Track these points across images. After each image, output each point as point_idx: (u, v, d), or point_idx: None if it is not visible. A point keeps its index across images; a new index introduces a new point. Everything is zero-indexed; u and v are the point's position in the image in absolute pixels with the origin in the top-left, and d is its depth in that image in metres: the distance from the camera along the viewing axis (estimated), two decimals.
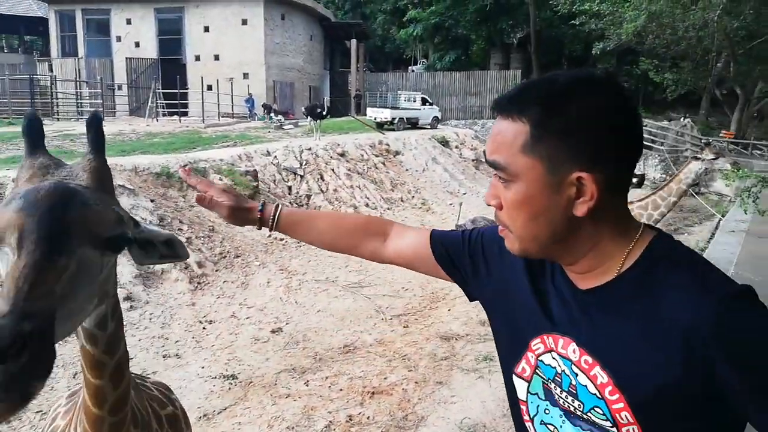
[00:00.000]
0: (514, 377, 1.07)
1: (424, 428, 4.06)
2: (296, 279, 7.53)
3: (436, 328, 6.09)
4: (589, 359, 0.93)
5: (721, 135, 24.77)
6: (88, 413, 1.19)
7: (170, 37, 26.48)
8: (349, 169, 13.00)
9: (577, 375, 0.95)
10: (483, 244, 1.20)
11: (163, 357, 5.12)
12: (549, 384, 1.01)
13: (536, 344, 1.03)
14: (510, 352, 1.09)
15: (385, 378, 4.87)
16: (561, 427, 1.00)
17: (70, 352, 5.15)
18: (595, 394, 0.92)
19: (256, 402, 4.43)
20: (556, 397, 1.00)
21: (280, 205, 1.35)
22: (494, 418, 4.21)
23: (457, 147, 18.32)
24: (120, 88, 25.42)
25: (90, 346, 1.10)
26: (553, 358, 0.99)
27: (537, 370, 1.03)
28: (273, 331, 5.85)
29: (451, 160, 16.74)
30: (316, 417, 4.20)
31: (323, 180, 12.18)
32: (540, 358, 1.02)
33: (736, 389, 0.81)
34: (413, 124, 21.42)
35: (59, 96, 24.28)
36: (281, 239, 8.99)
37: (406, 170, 14.97)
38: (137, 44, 26.50)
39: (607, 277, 0.94)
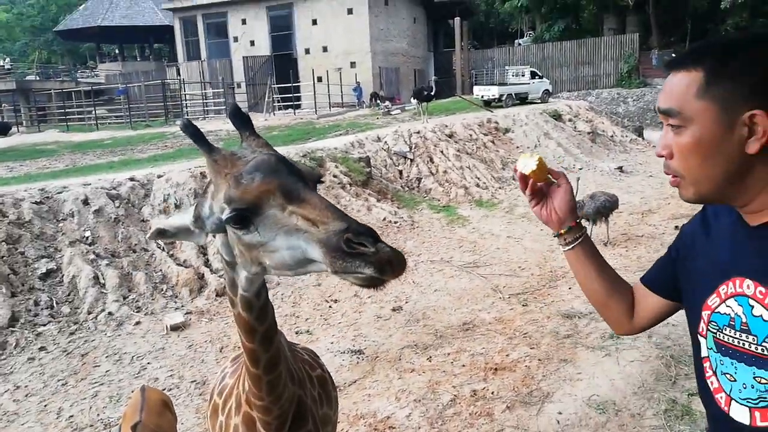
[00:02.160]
0: (699, 337, 1.18)
1: (550, 404, 4.06)
2: (412, 260, 7.71)
3: (556, 306, 5.99)
4: (763, 289, 1.02)
5: None
6: (249, 372, 1.40)
7: (281, 33, 27.73)
8: (458, 150, 12.95)
9: (752, 308, 1.04)
10: (684, 240, 1.28)
11: (296, 333, 5.53)
12: (721, 333, 1.11)
13: (712, 300, 1.13)
14: (693, 314, 1.20)
15: (507, 355, 4.90)
16: (736, 372, 1.09)
17: (215, 328, 5.72)
18: None
19: (383, 376, 4.66)
20: (730, 340, 1.10)
21: (587, 232, 1.40)
22: (624, 396, 4.10)
23: (570, 120, 17.53)
24: (239, 86, 27.11)
25: (246, 313, 1.31)
26: (728, 306, 1.09)
27: (710, 326, 1.14)
28: (394, 309, 6.08)
29: (564, 134, 16.07)
30: (441, 391, 4.34)
31: (432, 162, 12.25)
32: (715, 312, 1.12)
33: None
34: (522, 100, 20.79)
35: (187, 97, 26.43)
36: (395, 222, 9.23)
37: (517, 147, 14.62)
38: (252, 43, 28.04)
39: None
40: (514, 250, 8.19)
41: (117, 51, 41.27)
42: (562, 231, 1.35)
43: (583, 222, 8.62)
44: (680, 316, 4.49)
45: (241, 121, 1.24)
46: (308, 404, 1.63)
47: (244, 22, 28.16)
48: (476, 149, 13.51)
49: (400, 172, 11.85)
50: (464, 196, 11.10)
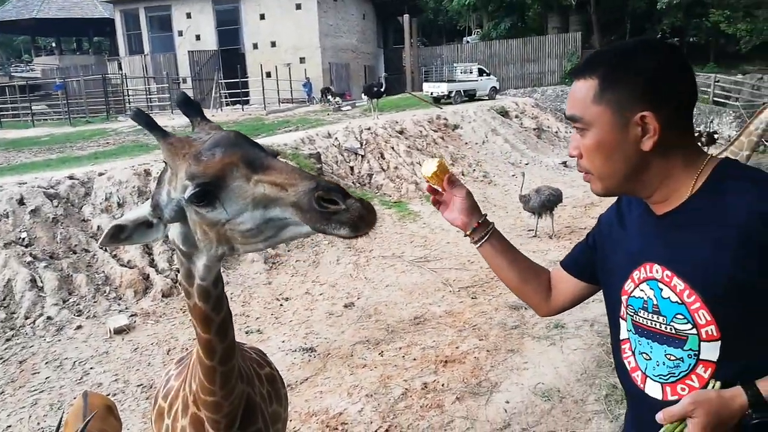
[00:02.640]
0: (620, 320, 1.28)
1: (498, 394, 4.18)
2: (364, 256, 7.75)
3: (504, 298, 6.14)
4: (669, 272, 1.13)
5: None
6: (202, 365, 1.37)
7: (228, 28, 27.14)
8: (409, 146, 13.06)
9: (661, 290, 1.14)
10: (601, 228, 1.38)
11: (246, 333, 5.46)
12: (637, 316, 1.21)
13: (628, 285, 1.22)
14: (613, 299, 1.30)
15: (456, 347, 5.00)
16: (651, 351, 1.19)
17: (162, 330, 5.59)
18: (676, 302, 1.12)
19: (335, 372, 4.67)
20: (645, 322, 1.19)
21: (494, 228, 1.47)
22: (568, 383, 4.26)
23: (517, 117, 17.95)
24: (184, 81, 26.39)
25: (202, 303, 1.30)
26: (641, 290, 1.19)
27: (628, 309, 1.23)
28: (345, 306, 6.09)
29: (511, 131, 16.44)
30: (393, 385, 4.39)
31: (383, 158, 12.31)
32: (631, 296, 1.22)
33: None
34: (471, 96, 21.11)
35: (130, 93, 25.52)
36: None
37: (466, 143, 14.86)
38: (198, 37, 27.34)
39: (681, 200, 1.12)
40: (463, 244, 8.33)
41: (54, 44, 39.40)
42: (468, 232, 1.46)
43: (529, 215, 8.87)
44: None
45: (191, 107, 1.24)
46: (257, 402, 1.62)
47: (189, 15, 27.41)
48: (426, 145, 13.65)
49: (351, 168, 11.84)
50: (415, 192, 11.20)
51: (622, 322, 1.27)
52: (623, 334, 1.28)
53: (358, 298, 6.34)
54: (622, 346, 1.28)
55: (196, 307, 1.30)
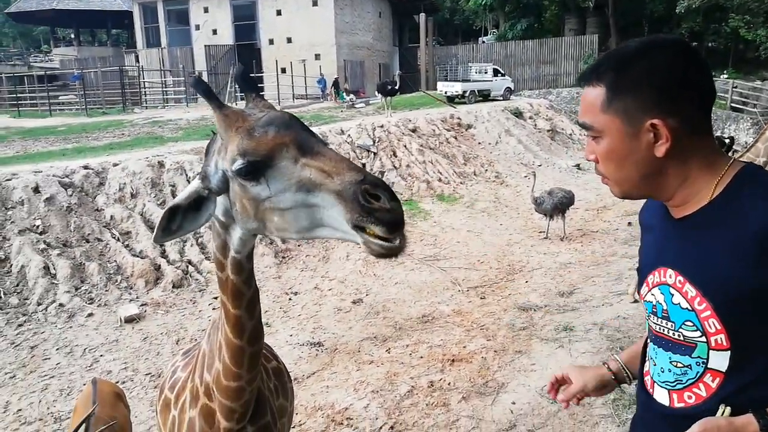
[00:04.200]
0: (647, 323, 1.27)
1: (504, 394, 4.16)
2: None
3: (513, 299, 6.12)
4: (681, 278, 1.10)
5: None
6: (229, 345, 1.36)
7: (245, 23, 27.25)
8: (421, 145, 13.04)
9: (672, 296, 1.12)
10: (641, 232, 1.34)
11: None
12: (651, 319, 1.19)
13: (643, 289, 1.21)
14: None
15: (464, 347, 4.99)
16: (656, 357, 1.19)
17: (172, 320, 5.63)
18: (686, 309, 1.09)
19: (342, 368, 4.68)
20: (656, 327, 1.18)
21: (616, 357, 1.42)
22: None
23: (531, 118, 17.85)
24: (200, 75, 26.50)
25: (235, 275, 1.30)
26: (653, 294, 1.17)
27: (646, 312, 1.22)
28: (354, 302, 6.10)
29: (525, 132, 16.36)
30: (399, 382, 4.39)
31: (396, 156, 12.30)
32: (644, 300, 1.21)
33: None
34: (485, 97, 21.02)
35: (146, 85, 25.71)
36: None
37: (479, 143, 14.81)
38: (214, 32, 27.47)
39: (701, 204, 1.09)
40: (473, 244, 8.32)
41: (73, 35, 39.74)
42: (614, 383, 1.40)
43: (540, 217, 8.82)
44: (631, 309, 4.65)
45: (248, 83, 1.27)
46: (266, 395, 1.62)
47: (206, 10, 27.55)
48: (439, 144, 13.62)
49: (363, 165, 11.84)
50: (426, 191, 11.19)
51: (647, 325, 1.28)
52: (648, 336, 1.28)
53: (367, 295, 6.35)
54: (647, 350, 1.28)
55: (229, 280, 1.30)
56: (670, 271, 1.12)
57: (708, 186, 1.07)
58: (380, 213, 0.98)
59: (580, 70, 27.44)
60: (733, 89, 21.20)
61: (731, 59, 27.69)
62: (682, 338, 1.11)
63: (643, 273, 1.22)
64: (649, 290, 1.18)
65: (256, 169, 1.09)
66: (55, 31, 41.29)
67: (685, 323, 1.09)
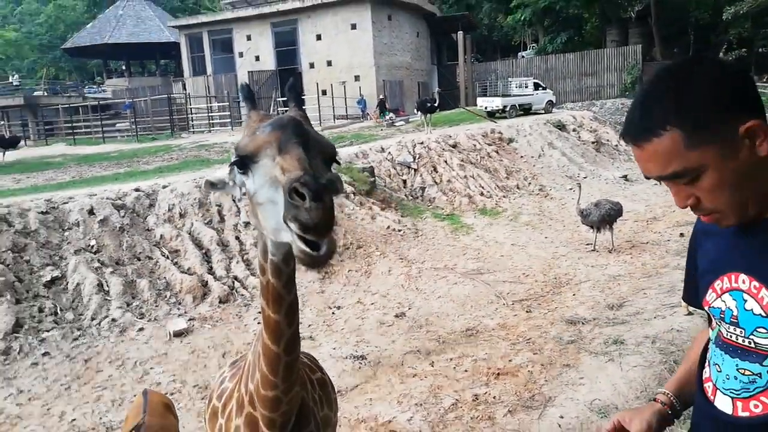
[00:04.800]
0: (710, 330, 1.23)
1: (552, 408, 4.04)
2: (416, 267, 7.72)
3: (560, 312, 5.97)
4: (757, 283, 1.05)
5: None
6: (266, 352, 1.38)
7: (286, 48, 27.96)
8: (462, 160, 12.98)
9: (745, 302, 1.07)
10: (696, 239, 1.30)
11: None
12: (721, 326, 1.15)
13: (710, 295, 1.17)
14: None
15: (509, 360, 4.89)
16: (722, 363, 1.14)
17: (218, 334, 5.74)
18: (759, 314, 1.04)
19: (385, 380, 4.65)
20: (722, 333, 1.14)
21: (663, 390, 1.36)
22: (627, 400, 4.08)
23: (574, 130, 17.55)
24: (248, 85, 27.21)
25: (275, 279, 1.32)
26: (723, 300, 1.13)
27: (715, 319, 1.17)
28: (397, 316, 6.08)
29: (568, 144, 16.09)
30: (443, 395, 4.32)
31: (436, 172, 12.28)
32: (711, 307, 1.16)
33: None
34: (526, 110, 20.83)
35: (193, 111, 26.65)
36: (399, 230, 9.25)
37: (521, 157, 14.64)
38: (257, 58, 28.29)
39: None
40: (518, 257, 8.18)
41: (124, 67, 41.71)
42: (671, 416, 1.33)
43: (587, 229, 8.61)
44: (685, 321, 4.48)
45: (294, 94, 1.35)
46: (310, 405, 1.64)
47: (249, 38, 28.43)
48: (480, 159, 13.53)
49: (404, 181, 11.87)
50: (468, 205, 11.11)
51: (711, 332, 1.23)
52: (709, 343, 1.23)
53: (410, 309, 6.31)
54: (706, 355, 1.24)
55: (269, 284, 1.32)
56: (743, 276, 1.08)
57: None
58: (298, 211, 0.98)
59: (624, 81, 27.04)
60: None
61: None
62: (752, 345, 1.06)
63: (705, 279, 1.18)
64: (718, 296, 1.14)
65: (244, 164, 1.16)
66: (108, 63, 43.36)
67: (758, 330, 1.05)
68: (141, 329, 5.76)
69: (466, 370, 4.74)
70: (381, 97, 23.84)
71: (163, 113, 26.29)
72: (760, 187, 1.03)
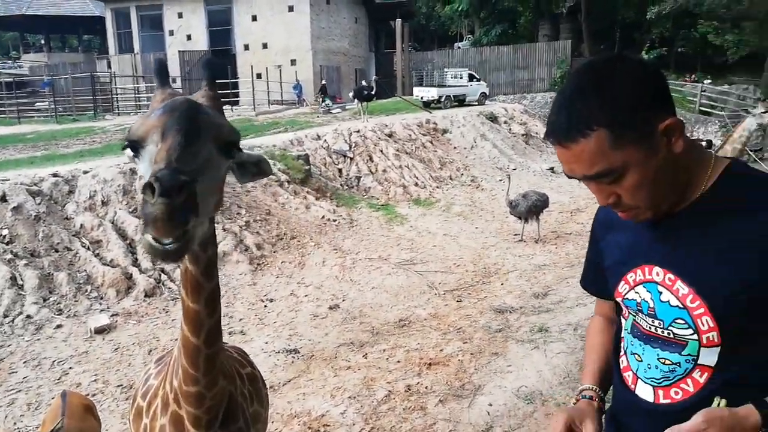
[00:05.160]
0: (622, 319, 1.26)
1: (481, 396, 4.17)
2: (350, 258, 7.72)
3: (489, 301, 6.15)
4: (672, 276, 1.09)
5: None
6: (185, 344, 1.31)
7: (220, 29, 27.05)
8: (398, 150, 13.06)
9: (660, 294, 1.10)
10: (597, 232, 1.33)
11: (229, 334, 5.41)
12: (638, 317, 1.18)
13: (622, 287, 1.19)
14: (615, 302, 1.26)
15: (441, 350, 4.99)
16: (643, 353, 1.17)
17: (144, 330, 5.53)
18: (677, 306, 1.08)
19: (318, 374, 4.64)
20: (639, 324, 1.17)
21: (590, 386, 1.34)
22: (551, 386, 4.26)
23: (506, 122, 18.03)
24: (174, 81, 26.22)
25: (192, 266, 1.26)
26: (636, 292, 1.15)
27: (629, 309, 1.20)
28: (331, 308, 6.06)
29: (500, 136, 16.51)
30: (376, 387, 4.36)
31: (372, 161, 12.30)
32: (625, 298, 1.19)
33: None
34: (461, 102, 21.18)
35: (118, 92, 25.33)
36: (334, 220, 9.20)
37: (455, 148, 14.90)
38: (189, 37, 27.22)
39: (689, 201, 1.08)
40: (450, 248, 8.34)
41: (43, 41, 38.99)
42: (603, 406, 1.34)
43: (515, 220, 8.89)
44: None
45: (210, 72, 1.28)
46: (239, 401, 1.59)
47: (180, 15, 27.29)
48: (415, 149, 13.66)
49: (340, 170, 11.82)
50: (403, 195, 11.21)
51: (623, 321, 1.25)
52: (622, 332, 1.26)
53: (344, 300, 6.31)
54: (620, 345, 1.27)
55: (187, 271, 1.27)
56: (657, 269, 1.11)
57: (699, 180, 1.07)
58: (145, 205, 0.96)
59: (554, 75, 27.98)
60: (702, 93, 21.72)
61: (700, 64, 28.38)
62: (671, 336, 1.10)
63: (616, 270, 1.20)
64: (631, 288, 1.16)
65: (134, 149, 1.12)
66: (25, 36, 40.47)
67: (676, 321, 1.08)
68: (59, 326, 5.45)
69: (398, 361, 4.80)
70: (323, 82, 23.50)
71: (86, 93, 24.80)
72: (674, 182, 1.06)
